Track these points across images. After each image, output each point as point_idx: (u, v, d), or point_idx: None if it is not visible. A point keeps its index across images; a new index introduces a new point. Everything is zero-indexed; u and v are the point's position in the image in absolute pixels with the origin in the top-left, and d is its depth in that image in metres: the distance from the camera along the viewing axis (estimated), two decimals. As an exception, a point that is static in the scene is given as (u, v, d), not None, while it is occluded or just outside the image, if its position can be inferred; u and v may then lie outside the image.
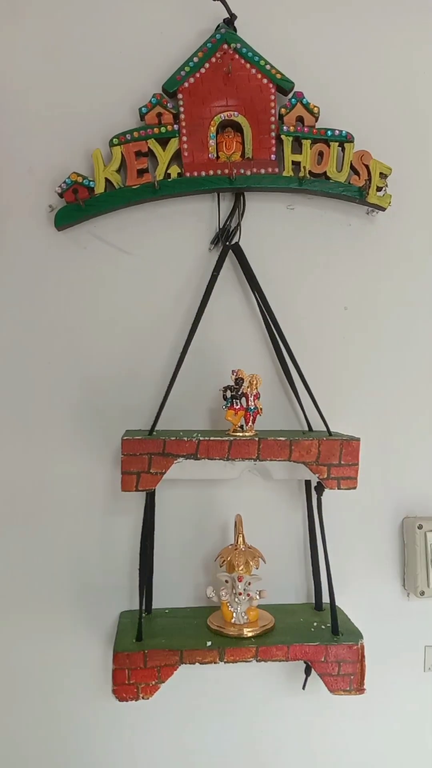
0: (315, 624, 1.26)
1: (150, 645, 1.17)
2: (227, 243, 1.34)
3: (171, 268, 1.36)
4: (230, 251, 1.34)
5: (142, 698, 1.15)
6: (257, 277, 1.33)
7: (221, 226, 1.36)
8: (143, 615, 1.26)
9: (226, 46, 1.31)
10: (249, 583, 1.22)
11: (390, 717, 1.41)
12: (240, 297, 1.37)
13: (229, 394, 1.21)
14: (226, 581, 1.23)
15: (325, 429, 1.29)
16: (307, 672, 1.29)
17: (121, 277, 1.35)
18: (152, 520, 1.29)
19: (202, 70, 1.31)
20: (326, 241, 1.40)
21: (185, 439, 1.15)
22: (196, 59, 1.31)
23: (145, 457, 1.14)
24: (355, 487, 1.19)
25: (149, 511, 1.27)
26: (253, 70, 1.32)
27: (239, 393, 1.21)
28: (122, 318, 1.35)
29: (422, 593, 1.36)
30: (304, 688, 1.31)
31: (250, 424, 1.22)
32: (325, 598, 1.32)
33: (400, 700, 1.41)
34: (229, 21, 1.32)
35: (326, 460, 1.18)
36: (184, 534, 1.35)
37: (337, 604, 1.27)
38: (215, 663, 1.16)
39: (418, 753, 1.43)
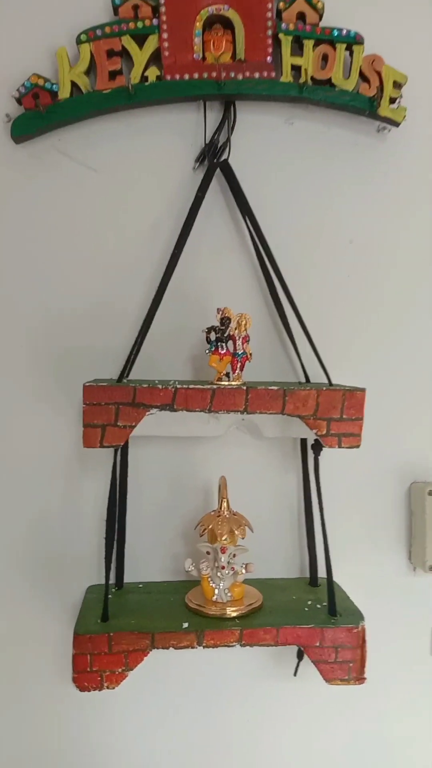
0: (309, 603, 1.10)
1: (116, 626, 1.00)
2: (214, 160, 1.15)
3: (148, 190, 1.17)
4: (218, 170, 1.14)
5: (107, 688, 0.99)
6: (249, 201, 1.14)
7: (208, 141, 1.16)
8: (113, 590, 1.11)
9: None
10: (234, 555, 1.06)
11: (391, 706, 1.26)
12: (228, 224, 1.18)
13: (213, 336, 1.04)
14: (208, 553, 1.06)
15: (324, 380, 1.11)
16: (300, 656, 1.14)
17: (90, 199, 1.16)
18: (124, 483, 1.13)
19: None
20: (330, 162, 1.20)
21: (160, 386, 0.97)
22: None
23: (112, 407, 0.96)
24: (358, 446, 1.02)
25: (120, 472, 1.11)
26: None
27: (225, 335, 1.04)
28: (91, 248, 1.17)
29: (431, 568, 1.20)
30: (295, 674, 1.16)
31: (237, 371, 1.04)
32: (321, 572, 1.15)
33: (402, 687, 1.26)
34: None
35: (326, 413, 1.00)
36: (161, 498, 1.19)
37: (334, 579, 1.10)
38: (192, 647, 1.00)
39: (421, 743, 1.28)
